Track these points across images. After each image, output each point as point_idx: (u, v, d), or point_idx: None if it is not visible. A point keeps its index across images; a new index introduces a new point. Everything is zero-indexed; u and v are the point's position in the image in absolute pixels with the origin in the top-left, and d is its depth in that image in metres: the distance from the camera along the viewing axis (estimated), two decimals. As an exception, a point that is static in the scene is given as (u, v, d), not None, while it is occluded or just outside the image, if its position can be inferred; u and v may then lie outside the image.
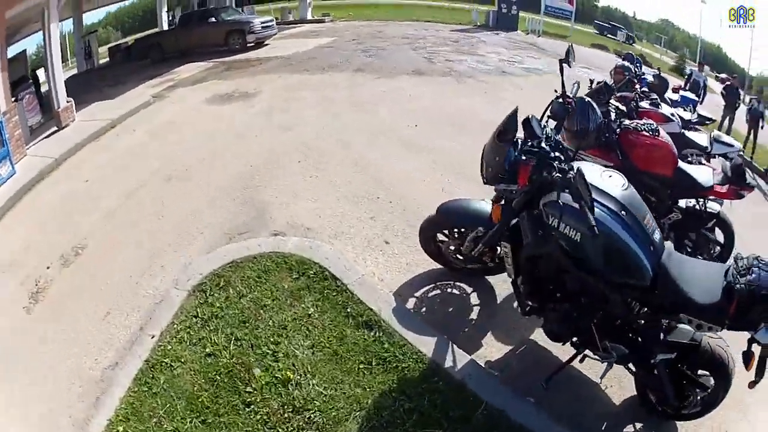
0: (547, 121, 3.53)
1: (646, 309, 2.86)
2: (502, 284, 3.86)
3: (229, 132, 6.94)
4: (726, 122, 12.58)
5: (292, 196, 5.06)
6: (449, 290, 3.94)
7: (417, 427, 2.87)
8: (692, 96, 8.71)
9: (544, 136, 3.09)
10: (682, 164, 4.88)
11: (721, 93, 12.76)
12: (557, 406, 3.06)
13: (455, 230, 3.75)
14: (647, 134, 4.85)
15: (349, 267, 3.97)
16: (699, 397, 2.91)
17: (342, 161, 5.79)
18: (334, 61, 10.94)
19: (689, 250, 5.01)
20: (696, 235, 4.99)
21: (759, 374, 2.52)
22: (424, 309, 3.76)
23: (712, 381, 2.84)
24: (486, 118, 7.54)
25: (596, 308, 2.89)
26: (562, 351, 3.28)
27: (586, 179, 2.45)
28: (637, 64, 8.28)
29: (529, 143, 3.07)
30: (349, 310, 3.58)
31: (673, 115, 6.25)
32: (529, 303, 3.12)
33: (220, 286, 3.79)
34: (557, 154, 2.98)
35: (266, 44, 13.79)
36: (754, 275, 2.51)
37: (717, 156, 6.00)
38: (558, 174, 2.76)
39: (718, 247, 4.93)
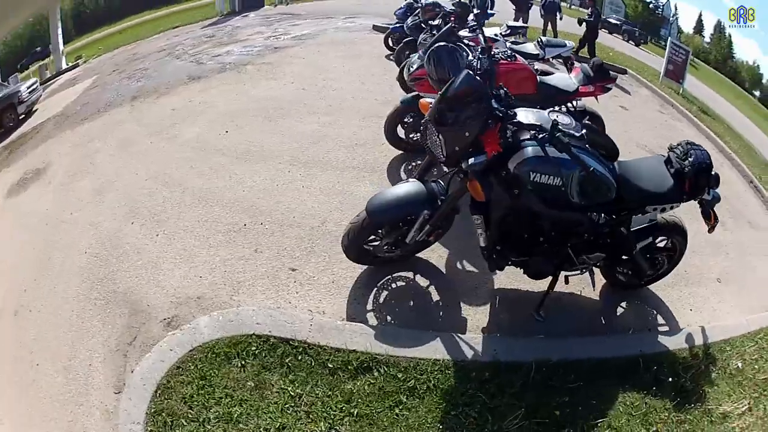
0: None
1: (612, 216, 3.38)
2: (431, 255, 4.04)
3: (44, 227, 5.10)
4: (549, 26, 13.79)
5: (153, 269, 4.00)
6: (394, 286, 3.84)
7: (500, 420, 2.88)
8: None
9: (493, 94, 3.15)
10: (541, 78, 5.18)
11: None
12: (559, 327, 3.58)
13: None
14: (507, 61, 5.04)
15: (288, 318, 3.42)
16: (665, 259, 3.87)
17: (181, 201, 4.86)
18: (107, 98, 8.96)
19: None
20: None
21: (715, 221, 3.54)
22: (390, 318, 3.57)
23: (670, 243, 3.81)
24: (302, 95, 7.44)
25: (571, 235, 3.34)
26: (533, 284, 3.75)
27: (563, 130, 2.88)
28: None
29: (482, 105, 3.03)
30: (330, 365, 3.12)
31: (496, 35, 6.54)
32: (511, 259, 3.43)
33: (167, 423, 2.79)
34: (509, 110, 3.11)
35: (35, 109, 11.46)
36: (693, 156, 3.38)
37: (551, 59, 6.49)
38: (532, 133, 3.06)
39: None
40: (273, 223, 4.50)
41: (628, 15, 20.10)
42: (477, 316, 3.65)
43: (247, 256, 4.10)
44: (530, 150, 3.00)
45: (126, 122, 7.03)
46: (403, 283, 3.85)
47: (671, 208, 3.52)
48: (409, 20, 8.34)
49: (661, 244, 3.80)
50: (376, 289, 3.76)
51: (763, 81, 18.78)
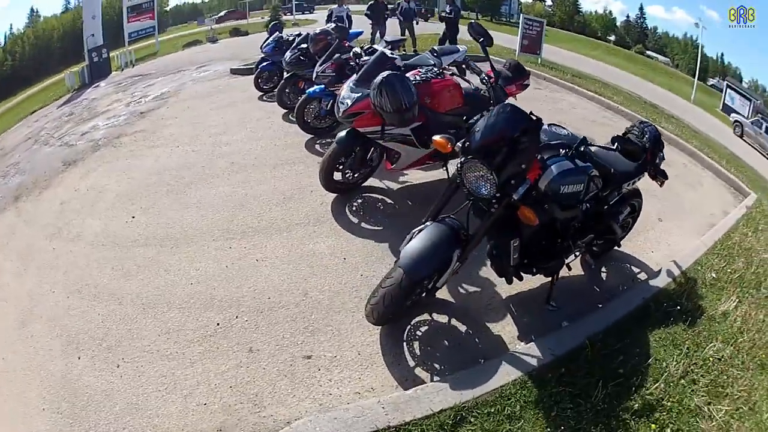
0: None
1: (598, 201, 3.80)
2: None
3: None
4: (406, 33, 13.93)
5: (140, 413, 3.08)
6: (420, 334, 3.57)
7: (589, 400, 3.05)
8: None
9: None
10: (464, 89, 5.12)
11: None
12: (571, 309, 3.83)
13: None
14: (437, 79, 5.00)
15: (355, 413, 2.89)
16: (630, 220, 4.50)
17: (124, 315, 3.92)
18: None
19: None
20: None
21: (664, 177, 4.24)
22: (439, 365, 3.32)
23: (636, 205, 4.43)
24: (196, 158, 6.82)
25: (574, 228, 3.67)
26: (532, 281, 3.94)
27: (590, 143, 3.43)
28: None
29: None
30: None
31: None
32: (535, 266, 3.58)
33: None
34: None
35: None
36: (648, 133, 4.18)
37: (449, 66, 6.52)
38: (569, 152, 3.34)
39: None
40: (249, 312, 3.79)
41: (466, 2, 21.07)
42: (507, 329, 3.68)
43: (245, 361, 3.38)
44: (558, 166, 3.22)
45: (17, 228, 5.96)
46: (426, 327, 3.63)
47: (639, 179, 4.19)
48: (288, 55, 8.00)
49: (628, 209, 4.25)
50: (405, 344, 3.47)
51: (617, 24, 20.36)
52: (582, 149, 3.35)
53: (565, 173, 3.21)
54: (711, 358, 3.51)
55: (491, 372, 3.20)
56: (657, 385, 3.20)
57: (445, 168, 5.26)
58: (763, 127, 14.40)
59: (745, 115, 13.67)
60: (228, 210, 5.29)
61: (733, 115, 14.89)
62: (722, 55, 16.73)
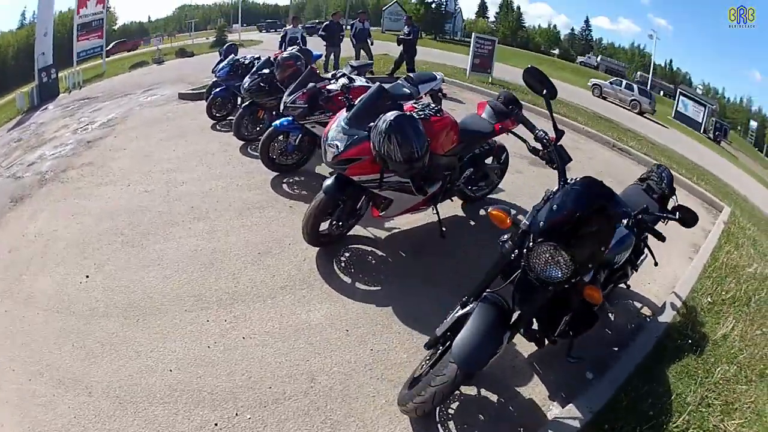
0: None
1: None
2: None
3: None
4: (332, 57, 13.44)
5: None
6: (455, 413, 3.22)
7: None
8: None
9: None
10: (460, 123, 4.72)
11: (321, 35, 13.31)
12: (590, 358, 3.68)
13: None
14: (436, 117, 4.52)
15: None
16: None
17: (98, 410, 3.26)
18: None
19: (481, 184, 5.73)
20: (479, 171, 5.06)
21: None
22: None
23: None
24: (151, 201, 6.13)
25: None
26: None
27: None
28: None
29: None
30: None
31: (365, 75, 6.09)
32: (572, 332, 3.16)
33: None
34: None
35: None
36: (666, 178, 4.37)
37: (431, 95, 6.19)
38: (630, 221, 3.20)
39: (497, 166, 5.75)
40: (251, 408, 3.19)
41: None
42: (537, 390, 3.51)
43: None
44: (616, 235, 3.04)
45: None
46: (457, 403, 3.27)
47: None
48: (247, 81, 7.41)
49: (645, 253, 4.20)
50: (440, 427, 3.11)
51: (561, 37, 20.63)
52: (641, 217, 3.20)
53: (619, 242, 3.14)
54: (720, 380, 3.72)
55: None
56: (681, 417, 3.31)
57: (435, 211, 4.89)
58: (623, 84, 16.22)
59: (700, 122, 14.34)
60: (196, 270, 4.63)
61: (591, 80, 16.97)
62: (671, 61, 17.13)
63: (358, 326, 3.94)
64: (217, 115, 9.19)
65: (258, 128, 7.89)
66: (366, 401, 3.28)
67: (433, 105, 4.62)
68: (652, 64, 15.70)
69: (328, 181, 4.39)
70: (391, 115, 3.85)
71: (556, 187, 2.83)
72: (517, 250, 2.79)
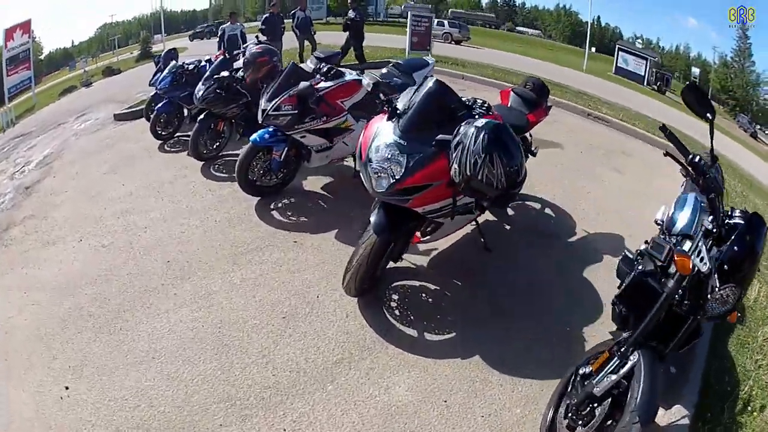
0: None
1: None
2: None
3: None
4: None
5: None
6: None
7: None
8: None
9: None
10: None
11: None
12: None
13: None
14: (490, 116, 3.44)
15: None
16: None
17: None
18: None
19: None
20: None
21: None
22: None
23: None
24: (113, 261, 4.54)
25: None
26: None
27: None
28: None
29: None
30: None
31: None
32: None
33: None
34: None
35: None
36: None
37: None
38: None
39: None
40: None
41: (330, 8, 19.62)
42: None
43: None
44: None
45: None
46: None
47: None
48: (201, 89, 5.86)
49: None
50: None
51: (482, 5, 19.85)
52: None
53: None
54: (763, 342, 3.55)
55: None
56: (746, 384, 3.12)
57: (476, 224, 4.04)
58: (436, 23, 15.13)
59: (643, 74, 13.80)
60: (208, 359, 3.22)
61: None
62: (599, 17, 16.65)
63: (454, 392, 2.99)
64: (163, 133, 7.42)
65: (217, 144, 6.38)
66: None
67: (481, 100, 3.48)
68: (590, 25, 15.07)
69: (377, 219, 3.17)
70: (485, 127, 2.82)
71: (711, 217, 2.58)
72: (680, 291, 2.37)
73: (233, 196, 5.28)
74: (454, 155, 2.87)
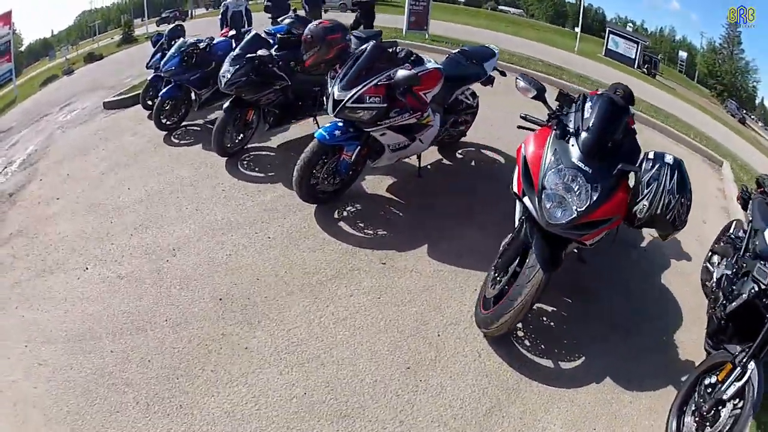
0: None
1: None
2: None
3: None
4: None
5: None
6: None
7: None
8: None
9: None
10: None
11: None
12: None
13: None
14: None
15: None
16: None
17: None
18: None
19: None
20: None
21: None
22: None
23: None
24: (134, 295, 3.15)
25: None
26: None
27: None
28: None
29: None
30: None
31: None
32: None
33: None
34: None
35: None
36: None
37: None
38: None
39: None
40: None
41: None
42: None
43: None
44: None
45: None
46: None
47: None
48: (229, 71, 4.52)
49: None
50: None
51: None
52: None
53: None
54: None
55: None
56: None
57: None
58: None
59: (634, 57, 13.13)
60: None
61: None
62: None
63: (599, 418, 2.72)
64: (168, 123, 5.91)
65: (242, 136, 5.07)
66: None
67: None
68: (582, 7, 14.50)
69: (542, 252, 2.78)
70: (676, 165, 2.73)
71: None
72: None
73: (281, 202, 4.06)
74: (646, 191, 2.67)
